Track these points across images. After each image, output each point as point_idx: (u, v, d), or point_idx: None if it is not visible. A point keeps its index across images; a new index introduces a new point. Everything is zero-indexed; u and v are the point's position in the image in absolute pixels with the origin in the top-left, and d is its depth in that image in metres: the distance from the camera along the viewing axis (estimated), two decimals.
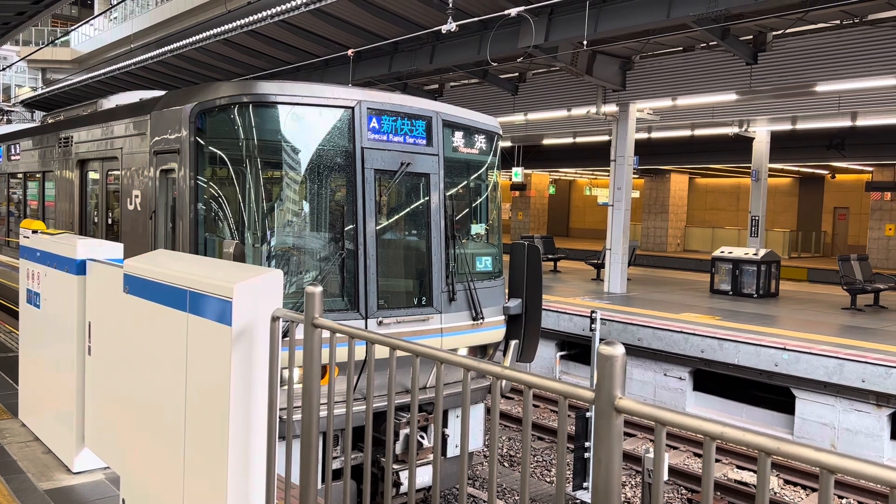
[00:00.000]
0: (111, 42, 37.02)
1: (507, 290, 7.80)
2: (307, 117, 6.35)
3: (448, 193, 7.15)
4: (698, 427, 1.64)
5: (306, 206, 6.49)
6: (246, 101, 6.20)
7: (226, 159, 6.47)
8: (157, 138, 7.02)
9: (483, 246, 7.71)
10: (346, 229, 6.45)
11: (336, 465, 6.19)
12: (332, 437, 6.45)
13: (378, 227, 6.57)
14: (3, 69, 34.64)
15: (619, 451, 1.81)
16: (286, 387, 4.99)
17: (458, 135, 7.30)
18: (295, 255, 6.38)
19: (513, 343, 7.61)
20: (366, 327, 6.27)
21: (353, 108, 6.45)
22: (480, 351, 7.41)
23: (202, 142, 6.39)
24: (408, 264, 7.01)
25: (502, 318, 7.54)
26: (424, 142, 6.93)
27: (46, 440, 4.98)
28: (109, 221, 8.45)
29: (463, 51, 16.22)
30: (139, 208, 7.35)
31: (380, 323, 6.44)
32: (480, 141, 7.55)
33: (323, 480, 5.88)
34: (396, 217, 6.93)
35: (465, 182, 7.60)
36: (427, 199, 6.94)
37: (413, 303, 6.86)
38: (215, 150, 6.46)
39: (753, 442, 1.53)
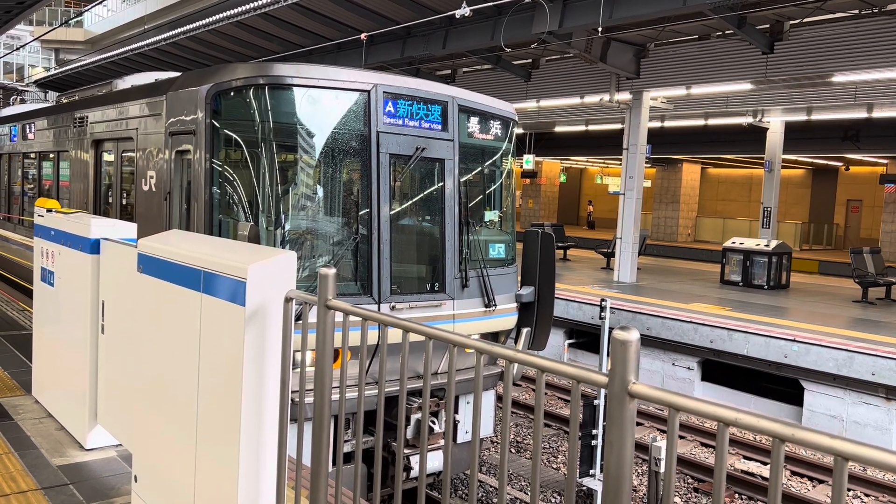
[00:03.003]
0: (124, 23, 37.02)
1: (519, 278, 7.78)
2: (323, 100, 6.30)
3: (462, 179, 7.10)
4: (712, 413, 1.63)
5: (321, 190, 6.45)
6: (262, 83, 6.14)
7: (241, 141, 6.42)
8: (172, 119, 6.98)
9: (496, 233, 7.67)
10: (360, 214, 6.41)
11: (348, 448, 6.19)
12: (344, 421, 6.45)
13: (392, 212, 6.52)
14: (17, 49, 34.72)
15: (631, 436, 1.81)
16: (300, 369, 4.98)
17: (474, 120, 7.23)
18: (309, 239, 6.35)
19: (524, 331, 7.58)
20: (378, 311, 6.27)
21: (369, 92, 6.38)
22: (492, 338, 7.39)
23: (218, 123, 6.35)
24: (421, 250, 6.97)
25: (514, 305, 7.50)
26: (440, 127, 6.86)
27: (59, 417, 5.03)
28: (124, 202, 8.43)
29: (476, 36, 16.13)
30: (154, 189, 7.33)
31: (392, 308, 6.42)
32: (496, 127, 7.48)
33: (334, 463, 5.90)
34: (410, 202, 6.88)
35: (480, 168, 7.53)
36: (441, 184, 6.88)
37: (426, 288, 6.82)
38: (231, 132, 6.42)
39: (768, 428, 1.53)
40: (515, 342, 7.65)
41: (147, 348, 3.70)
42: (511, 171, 7.84)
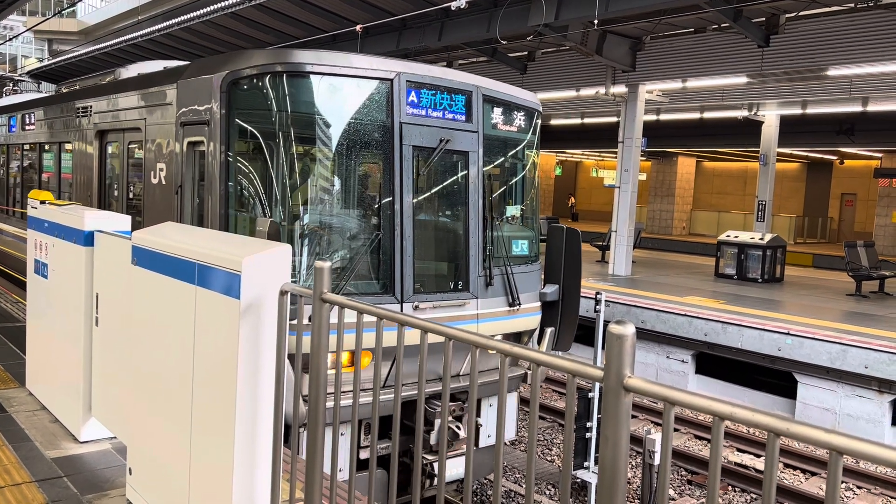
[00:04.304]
0: (118, 14, 36.80)
1: (542, 276, 7.49)
2: (344, 89, 6.01)
3: (487, 173, 6.79)
4: (707, 407, 1.64)
5: (342, 184, 6.15)
6: (280, 71, 5.85)
7: (259, 132, 6.11)
8: (184, 109, 6.68)
9: (519, 229, 7.38)
10: (383, 209, 6.14)
11: (364, 454, 5.89)
12: (361, 426, 6.12)
13: (415, 207, 6.25)
14: (9, 39, 34.47)
15: (626, 430, 1.81)
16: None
17: (498, 111, 6.92)
18: (330, 235, 6.07)
19: (548, 331, 7.29)
20: (401, 312, 5.80)
21: (391, 81, 6.09)
22: (515, 339, 7.07)
23: (233, 113, 6.05)
24: (445, 247, 6.70)
25: (538, 304, 7.23)
26: (464, 117, 6.56)
27: (54, 409, 5.02)
28: (131, 195, 8.09)
29: (472, 28, 16.08)
30: (163, 182, 7.03)
31: (416, 307, 6.13)
32: (520, 118, 7.17)
33: (358, 469, 5.73)
34: (434, 197, 6.59)
35: (505, 161, 7.23)
36: (465, 178, 6.58)
37: (449, 287, 6.52)
38: (247, 122, 6.12)
39: (763, 422, 1.53)
40: (539, 343, 7.34)
41: (141, 341, 3.69)
42: (535, 164, 7.52)
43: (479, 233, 6.62)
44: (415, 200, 6.25)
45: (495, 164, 7.08)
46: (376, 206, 6.22)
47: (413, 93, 6.22)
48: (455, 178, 6.63)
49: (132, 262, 3.76)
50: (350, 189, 6.26)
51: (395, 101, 6.12)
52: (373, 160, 6.29)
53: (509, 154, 7.26)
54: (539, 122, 7.49)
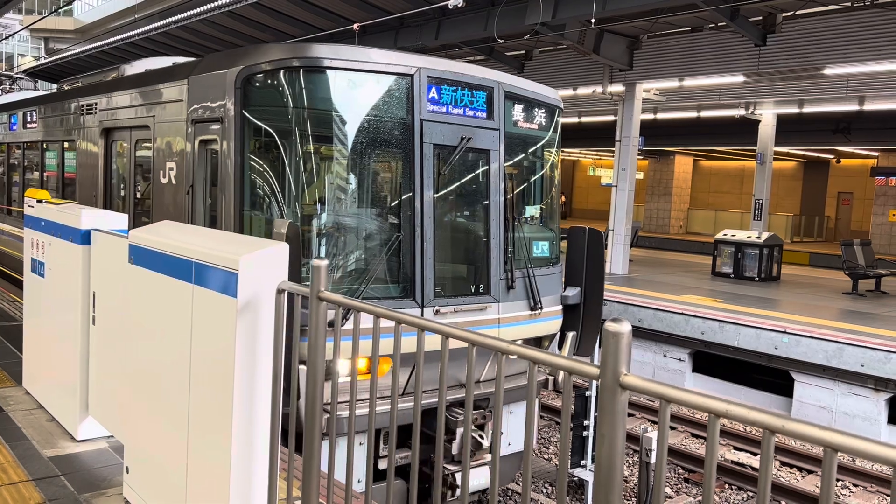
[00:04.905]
0: (115, 12, 36.76)
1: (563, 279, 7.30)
2: (364, 85, 5.81)
3: (508, 172, 6.59)
4: (703, 404, 1.64)
5: (362, 184, 5.96)
6: (296, 66, 5.64)
7: (275, 130, 5.89)
8: (195, 106, 6.47)
9: (540, 230, 7.20)
10: (403, 210, 5.94)
11: (383, 464, 5.73)
12: (372, 434, 5.97)
13: (437, 208, 6.06)
14: (6, 38, 34.40)
15: (622, 428, 1.82)
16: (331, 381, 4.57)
17: (519, 108, 6.71)
18: (350, 237, 5.89)
19: (570, 335, 7.11)
20: (422, 316, 5.58)
21: (412, 76, 5.91)
22: (536, 344, 6.85)
23: (248, 110, 5.84)
24: (465, 249, 6.50)
25: (560, 308, 7.04)
26: (485, 115, 6.35)
27: (50, 408, 5.02)
28: (139, 196, 7.86)
29: (469, 27, 16.08)
30: (173, 182, 6.81)
31: (436, 312, 5.94)
32: (541, 115, 6.96)
33: (375, 480, 5.64)
34: (454, 197, 6.37)
35: (526, 160, 7.03)
36: (486, 177, 6.39)
37: (470, 291, 6.32)
38: (263, 120, 5.91)
39: (758, 420, 1.54)
40: (560, 348, 7.16)
41: (138, 340, 3.69)
42: (556, 163, 7.34)
43: (500, 234, 6.40)
44: (435, 200, 6.06)
45: (517, 162, 6.87)
46: (396, 206, 6.02)
47: (434, 89, 6.02)
48: (476, 177, 6.42)
49: (129, 260, 3.76)
50: (369, 189, 6.07)
51: (416, 98, 5.90)
52: (392, 159, 6.09)
53: (531, 152, 7.05)
54: (560, 119, 7.28)
